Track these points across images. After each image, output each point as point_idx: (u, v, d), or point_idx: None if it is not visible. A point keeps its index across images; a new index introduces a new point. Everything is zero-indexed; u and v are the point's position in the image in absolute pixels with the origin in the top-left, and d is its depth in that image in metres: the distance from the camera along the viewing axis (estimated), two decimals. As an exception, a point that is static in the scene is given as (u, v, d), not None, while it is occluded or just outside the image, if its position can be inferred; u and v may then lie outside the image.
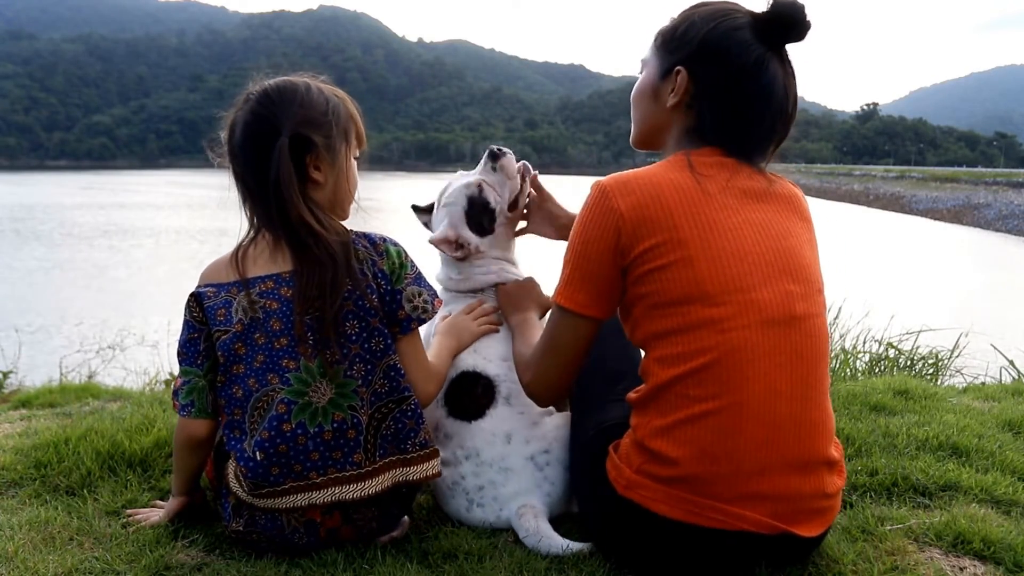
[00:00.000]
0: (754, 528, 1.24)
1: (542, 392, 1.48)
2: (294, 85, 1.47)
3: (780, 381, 1.24)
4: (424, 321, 1.50)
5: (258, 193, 1.43)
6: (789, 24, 1.31)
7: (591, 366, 1.57)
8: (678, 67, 1.37)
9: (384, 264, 1.46)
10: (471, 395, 1.65)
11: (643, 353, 1.36)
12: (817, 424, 1.27)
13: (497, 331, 1.74)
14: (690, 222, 1.26)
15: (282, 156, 1.39)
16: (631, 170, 1.34)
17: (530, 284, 1.77)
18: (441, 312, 1.74)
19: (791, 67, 1.36)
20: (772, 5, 1.32)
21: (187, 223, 31.85)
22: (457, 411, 1.64)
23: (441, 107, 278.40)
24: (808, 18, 1.31)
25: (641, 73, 1.48)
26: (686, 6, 1.42)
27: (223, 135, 1.48)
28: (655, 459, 1.26)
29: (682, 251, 1.25)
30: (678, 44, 1.38)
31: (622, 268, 1.31)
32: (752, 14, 1.35)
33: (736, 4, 1.38)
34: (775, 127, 1.35)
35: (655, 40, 1.43)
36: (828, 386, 1.33)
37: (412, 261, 1.51)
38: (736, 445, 1.22)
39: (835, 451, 1.32)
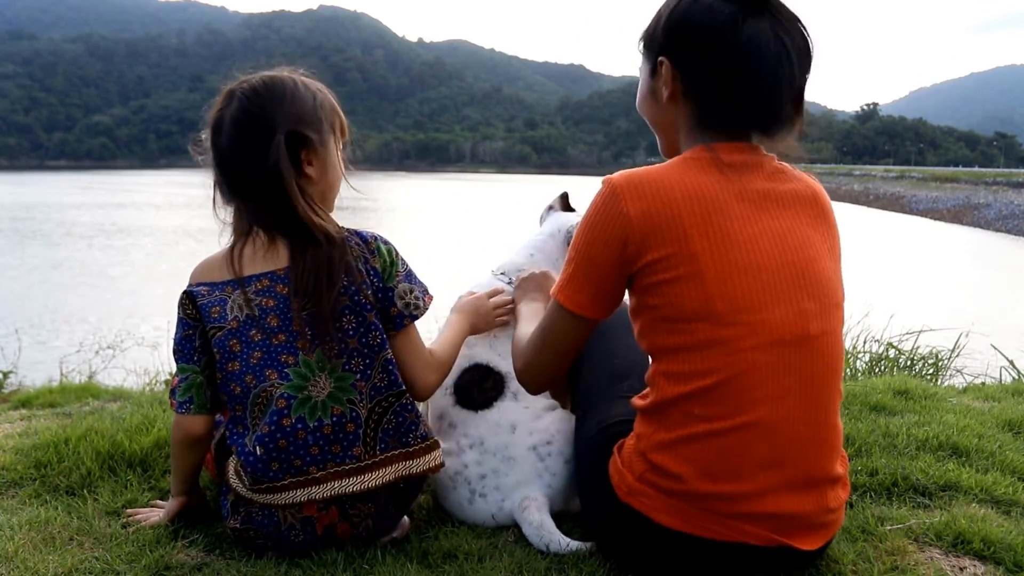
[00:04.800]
0: (753, 541, 1.23)
1: (532, 382, 1.48)
2: (282, 81, 1.46)
3: (789, 403, 1.21)
4: (416, 317, 1.51)
5: (251, 191, 1.42)
6: None
7: (597, 362, 1.57)
8: (660, 59, 1.32)
9: (376, 262, 1.46)
10: (481, 387, 1.68)
11: (650, 360, 1.34)
12: (825, 444, 1.25)
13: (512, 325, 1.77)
14: (702, 233, 1.20)
15: (280, 153, 1.39)
16: (644, 168, 1.27)
17: (544, 276, 1.79)
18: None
19: (784, 16, 1.25)
20: None
21: (187, 223, 31.82)
22: (465, 401, 1.67)
23: (441, 107, 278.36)
24: None
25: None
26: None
27: (205, 134, 1.46)
28: (657, 471, 1.25)
29: (692, 265, 1.20)
30: (652, 38, 1.35)
31: (628, 275, 1.27)
32: None
33: None
34: (779, 89, 1.24)
35: (639, 47, 1.40)
36: (839, 403, 1.30)
37: (403, 259, 1.52)
38: (740, 466, 1.20)
39: (840, 467, 1.31)
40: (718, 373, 1.20)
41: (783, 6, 1.26)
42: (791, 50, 1.23)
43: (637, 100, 1.44)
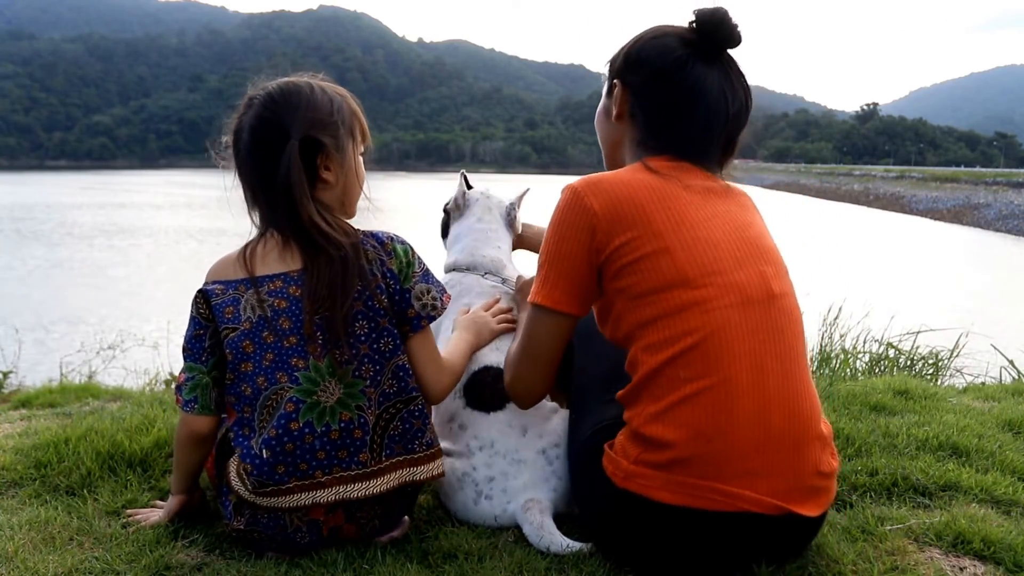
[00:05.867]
0: (755, 508, 1.25)
1: (521, 393, 1.52)
2: (298, 87, 1.47)
3: (764, 358, 1.28)
4: (434, 318, 1.50)
5: (267, 196, 1.43)
6: (710, 29, 1.39)
7: (589, 366, 1.58)
8: (615, 80, 1.49)
9: (393, 263, 1.46)
10: (492, 389, 1.68)
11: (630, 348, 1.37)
12: (803, 399, 1.31)
13: (515, 330, 1.77)
14: (662, 216, 1.32)
15: (292, 159, 1.39)
16: (598, 173, 1.40)
17: None
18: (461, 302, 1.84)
19: (733, 71, 1.42)
20: (694, 14, 1.41)
21: (186, 223, 31.85)
22: (476, 403, 1.67)
23: (441, 107, 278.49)
24: (732, 22, 1.39)
25: None
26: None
27: (227, 139, 1.48)
28: (651, 446, 1.28)
29: (658, 242, 1.30)
30: (614, 63, 1.51)
31: (597, 266, 1.35)
32: (681, 28, 1.44)
33: (671, 24, 1.46)
34: (712, 127, 1.40)
35: (605, 68, 1.55)
36: (807, 364, 1.37)
37: (419, 258, 1.51)
38: (728, 422, 1.24)
39: (824, 427, 1.35)
40: (696, 333, 1.27)
41: (734, 63, 1.43)
42: (731, 101, 1.40)
43: (595, 118, 1.59)
